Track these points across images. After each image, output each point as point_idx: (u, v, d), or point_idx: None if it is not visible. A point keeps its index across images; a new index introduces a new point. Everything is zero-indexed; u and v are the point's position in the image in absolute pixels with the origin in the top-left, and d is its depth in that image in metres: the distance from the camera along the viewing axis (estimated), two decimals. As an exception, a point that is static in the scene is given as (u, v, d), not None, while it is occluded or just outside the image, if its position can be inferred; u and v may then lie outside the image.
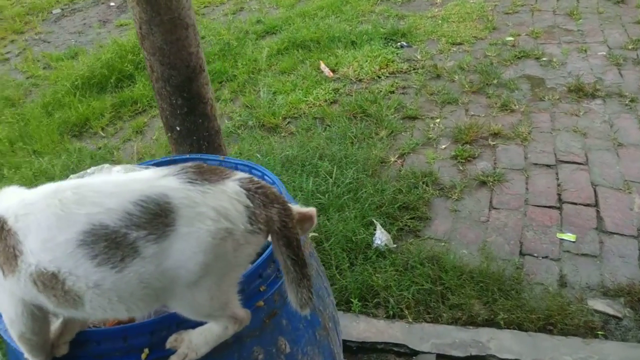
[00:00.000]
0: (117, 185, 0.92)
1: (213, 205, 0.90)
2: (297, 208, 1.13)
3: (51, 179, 3.38)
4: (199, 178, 0.92)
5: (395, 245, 2.68)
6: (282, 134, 3.69)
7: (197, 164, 0.99)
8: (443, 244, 2.69)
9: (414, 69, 4.28)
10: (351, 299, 2.39)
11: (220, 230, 0.90)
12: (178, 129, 1.63)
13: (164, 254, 0.88)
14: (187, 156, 1.47)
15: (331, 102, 3.99)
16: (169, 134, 1.64)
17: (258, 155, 3.35)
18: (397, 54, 4.51)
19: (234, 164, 1.37)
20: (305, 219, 1.12)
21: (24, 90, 4.84)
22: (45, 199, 0.90)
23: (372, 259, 2.60)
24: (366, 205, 2.87)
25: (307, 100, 4.00)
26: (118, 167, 1.45)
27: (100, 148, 3.85)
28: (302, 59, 4.59)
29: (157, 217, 0.88)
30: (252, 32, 5.27)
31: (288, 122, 3.82)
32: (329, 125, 3.67)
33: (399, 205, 2.89)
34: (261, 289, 1.05)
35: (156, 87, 1.57)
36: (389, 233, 2.75)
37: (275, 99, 4.07)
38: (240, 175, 0.97)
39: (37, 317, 0.96)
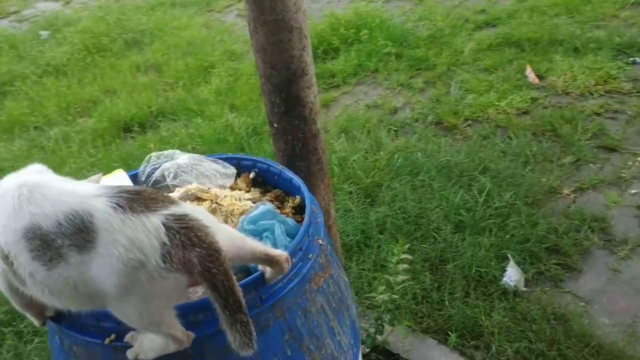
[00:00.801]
0: (60, 193, 0.99)
1: (129, 235, 0.93)
2: (262, 248, 1.09)
3: (236, 134, 3.73)
4: (127, 205, 0.95)
5: (525, 289, 2.40)
6: (456, 136, 3.50)
7: (139, 190, 1.02)
8: (583, 304, 2.32)
9: (638, 92, 3.65)
10: (450, 332, 2.23)
11: (131, 260, 0.93)
12: (275, 125, 1.66)
13: (86, 265, 0.95)
14: (242, 156, 1.53)
15: (523, 112, 3.63)
16: (270, 129, 1.68)
17: (418, 154, 3.24)
18: (623, 70, 3.88)
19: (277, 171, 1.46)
20: (273, 261, 1.09)
21: (249, 47, 5.34)
22: (12, 190, 1.01)
23: (492, 296, 2.37)
24: (509, 235, 2.61)
25: (497, 105, 3.70)
26: (185, 156, 1.55)
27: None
28: (510, 59, 4.24)
29: (80, 232, 0.94)
30: (472, 21, 5.00)
31: (467, 125, 3.60)
32: (509, 138, 3.36)
33: (548, 246, 2.57)
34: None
35: (260, 83, 1.62)
36: (524, 273, 2.47)
37: (464, 97, 3.85)
38: (173, 211, 0.97)
39: (14, 288, 1.10)
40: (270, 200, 1.45)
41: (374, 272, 2.39)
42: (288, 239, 1.22)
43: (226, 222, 1.37)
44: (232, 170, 1.55)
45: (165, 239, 0.95)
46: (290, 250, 1.13)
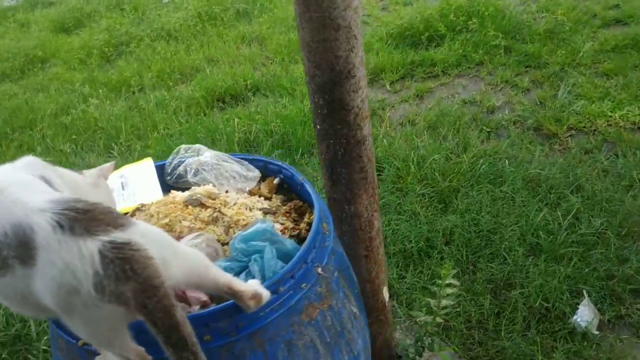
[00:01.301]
0: (12, 202, 0.96)
1: (64, 258, 0.87)
2: (226, 279, 1.00)
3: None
4: (68, 225, 0.90)
5: (597, 333, 2.14)
6: (554, 146, 3.17)
7: (89, 208, 0.95)
8: (664, 362, 2.02)
9: None
10: (499, 365, 2.04)
11: (66, 283, 0.87)
12: (318, 127, 1.55)
13: (29, 279, 0.91)
14: (269, 159, 1.44)
15: (638, 128, 3.21)
16: (314, 128, 1.58)
17: (506, 162, 2.98)
18: None
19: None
20: (236, 297, 1.01)
21: (354, 27, 5.21)
22: None
23: (556, 335, 2.14)
24: (590, 268, 2.32)
25: (609, 116, 3.30)
26: (210, 154, 1.49)
27: (382, 100, 3.95)
28: (636, 65, 3.76)
29: (23, 246, 0.90)
30: (600, 17, 4.50)
31: (570, 135, 3.25)
32: (615, 155, 2.99)
33: (635, 288, 2.26)
34: (205, 338, 0.99)
35: (305, 80, 1.51)
36: (600, 314, 2.19)
37: (573, 102, 3.48)
38: (114, 237, 0.90)
39: None
40: (288, 212, 1.36)
41: (431, 285, 2.23)
42: (281, 264, 1.13)
43: (227, 233, 1.30)
44: (256, 173, 1.48)
45: (99, 268, 0.89)
46: (278, 277, 1.04)
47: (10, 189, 1.00)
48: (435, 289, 1.86)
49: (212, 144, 3.54)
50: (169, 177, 1.57)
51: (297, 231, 1.31)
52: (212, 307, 1.08)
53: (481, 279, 2.37)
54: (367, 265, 1.81)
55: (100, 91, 4.66)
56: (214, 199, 1.38)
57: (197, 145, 1.59)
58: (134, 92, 4.59)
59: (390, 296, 2.26)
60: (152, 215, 1.38)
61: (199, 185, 1.45)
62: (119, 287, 0.89)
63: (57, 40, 6.05)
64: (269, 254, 1.12)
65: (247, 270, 1.14)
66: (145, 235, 0.96)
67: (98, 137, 3.95)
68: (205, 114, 4.02)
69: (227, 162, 1.48)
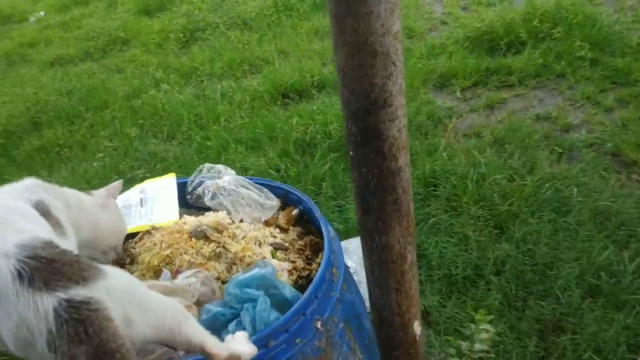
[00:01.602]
0: None
1: (20, 311, 0.83)
2: (199, 339, 0.93)
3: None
4: (28, 276, 0.85)
5: (653, 395, 1.93)
6: (633, 176, 2.90)
7: (54, 257, 0.90)
8: None
9: None
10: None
11: (21, 337, 0.84)
12: (351, 154, 1.46)
13: None
14: (290, 188, 1.35)
15: None
16: (348, 154, 1.49)
17: (575, 189, 2.75)
18: None
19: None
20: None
21: (431, 26, 5.01)
22: None
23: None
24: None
25: (701, 147, 2.98)
26: (230, 178, 1.42)
27: (449, 108, 3.76)
28: None
29: None
30: None
31: (654, 163, 2.96)
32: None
33: None
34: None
35: (341, 101, 1.42)
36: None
37: (662, 127, 3.17)
38: (73, 295, 0.84)
39: None
40: (302, 249, 1.28)
41: (466, 325, 2.10)
42: (275, 314, 1.05)
43: (229, 270, 1.24)
44: (275, 202, 1.41)
45: (53, 327, 0.85)
46: (268, 330, 0.96)
47: (8, 223, 0.98)
48: (470, 330, 1.73)
49: (270, 141, 3.51)
50: (189, 196, 1.54)
51: (308, 272, 1.23)
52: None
53: (529, 317, 2.20)
54: (397, 298, 1.71)
55: (172, 77, 4.75)
56: (220, 232, 1.32)
57: (220, 166, 1.54)
58: (202, 81, 4.64)
59: (427, 324, 2.15)
60: (155, 244, 1.35)
61: (216, 210, 1.40)
62: (71, 349, 0.85)
63: (139, 22, 6.23)
64: (262, 305, 1.05)
65: (238, 318, 1.07)
66: (110, 292, 0.91)
67: (163, 123, 4.02)
68: (267, 109, 3.99)
69: (245, 188, 1.42)
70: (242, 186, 1.43)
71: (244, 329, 1.06)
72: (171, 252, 1.29)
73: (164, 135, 3.91)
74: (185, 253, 1.28)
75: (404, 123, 1.41)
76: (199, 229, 1.32)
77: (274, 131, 3.56)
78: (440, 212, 2.72)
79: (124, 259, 1.44)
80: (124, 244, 1.50)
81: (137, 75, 4.94)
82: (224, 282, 1.24)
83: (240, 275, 1.15)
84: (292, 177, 3.09)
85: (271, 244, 1.31)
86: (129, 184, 3.23)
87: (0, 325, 0.89)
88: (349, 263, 2.39)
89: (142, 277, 1.30)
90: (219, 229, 1.33)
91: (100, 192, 1.42)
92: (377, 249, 1.63)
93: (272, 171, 3.13)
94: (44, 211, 1.13)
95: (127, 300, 0.94)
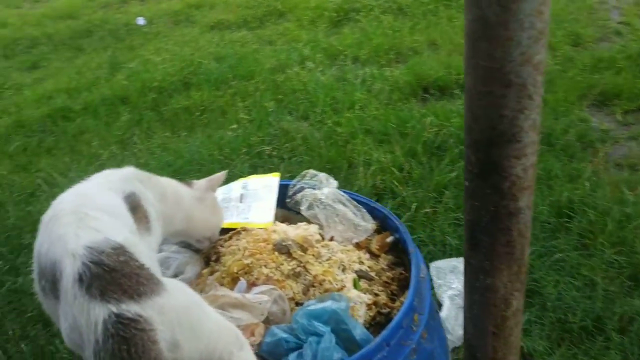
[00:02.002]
0: (59, 238, 0.99)
1: (75, 314, 0.85)
2: None
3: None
4: (88, 281, 0.86)
5: None
6: None
7: (116, 266, 0.88)
8: None
9: None
10: None
11: (72, 338, 0.85)
12: (466, 184, 1.33)
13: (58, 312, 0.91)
14: (389, 213, 1.24)
15: None
16: (464, 183, 1.36)
17: None
18: None
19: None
20: None
21: (602, 35, 4.52)
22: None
23: None
24: None
25: None
26: (329, 191, 1.35)
27: (605, 131, 3.38)
28: None
29: (53, 284, 0.91)
30: None
31: None
32: None
33: None
34: None
35: (464, 126, 1.30)
36: None
37: None
38: (124, 310, 0.82)
39: None
40: (388, 282, 1.20)
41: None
42: (339, 355, 0.99)
43: (305, 293, 1.19)
44: (370, 225, 1.33)
45: (100, 338, 0.85)
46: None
47: (62, 221, 1.03)
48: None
49: (400, 137, 3.41)
50: (288, 200, 1.52)
51: (389, 310, 1.15)
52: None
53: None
54: (494, 343, 1.56)
55: (318, 55, 4.78)
56: (305, 250, 1.28)
57: (323, 175, 1.50)
58: (346, 64, 4.62)
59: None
60: (239, 250, 1.34)
61: (309, 222, 1.36)
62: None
63: (299, -5, 6.34)
64: (327, 343, 1.00)
65: (301, 350, 1.03)
66: (163, 311, 0.91)
67: (300, 102, 4.07)
68: (405, 102, 3.87)
69: (343, 204, 1.36)
70: (340, 202, 1.38)
71: None
72: (252, 262, 1.28)
73: (299, 113, 3.96)
74: (266, 266, 1.26)
75: (532, 162, 1.26)
76: (283, 243, 1.29)
77: (406, 127, 3.45)
78: (569, 249, 2.46)
79: (211, 256, 1.46)
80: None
81: (286, 50, 5.05)
82: (297, 304, 1.21)
83: (312, 305, 1.11)
84: (415, 179, 2.98)
85: (356, 271, 1.25)
86: (256, 159, 3.36)
87: (61, 320, 0.93)
88: (455, 284, 2.25)
89: (221, 281, 1.31)
90: (304, 246, 1.29)
91: (201, 184, 1.45)
92: (480, 289, 1.49)
93: (395, 169, 3.04)
94: (134, 204, 1.17)
95: (178, 322, 0.93)
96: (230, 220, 1.53)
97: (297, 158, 3.32)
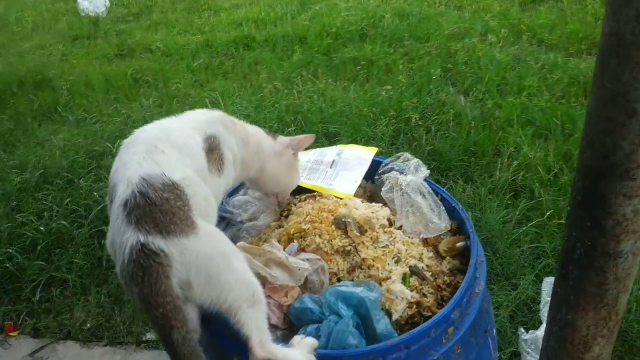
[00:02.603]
0: (124, 165, 1.12)
1: (114, 230, 1.03)
2: (247, 329, 1.02)
3: None
4: (130, 207, 1.01)
5: None
6: None
7: (161, 198, 0.97)
8: None
9: None
10: None
11: (112, 250, 1.08)
12: (570, 208, 1.19)
13: None
14: (468, 218, 1.14)
15: None
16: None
17: None
18: None
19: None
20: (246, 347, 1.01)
21: None
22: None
23: None
24: None
25: None
26: (412, 178, 1.28)
27: None
28: None
29: (111, 202, 1.09)
30: None
31: None
32: None
33: None
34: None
35: (580, 147, 1.16)
36: None
37: None
38: (150, 241, 0.96)
39: None
40: (442, 287, 1.14)
41: None
42: (356, 340, 0.98)
43: (350, 273, 1.18)
44: (444, 225, 1.26)
45: (125, 260, 0.94)
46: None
47: (134, 149, 1.13)
48: None
49: (561, 136, 3.13)
50: (377, 177, 1.49)
51: (430, 314, 1.11)
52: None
53: None
54: (565, 381, 1.44)
55: (503, 30, 4.49)
56: (364, 232, 1.25)
57: (416, 162, 1.44)
58: (531, 45, 4.29)
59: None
60: (303, 213, 1.35)
61: (385, 205, 1.33)
62: (130, 285, 0.95)
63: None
64: (344, 326, 1.00)
65: (320, 325, 1.04)
66: (185, 253, 0.97)
67: (467, 75, 3.89)
68: (583, 100, 3.51)
69: (423, 196, 1.30)
70: (420, 193, 1.32)
71: (319, 337, 1.04)
72: (309, 229, 1.30)
73: (462, 87, 3.80)
74: (320, 236, 1.27)
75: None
76: (343, 219, 1.29)
77: (571, 128, 3.15)
78: None
79: (284, 212, 1.50)
80: (296, 196, 1.56)
81: (471, 19, 4.81)
82: (339, 280, 1.21)
83: (345, 287, 1.10)
84: (560, 185, 2.72)
85: (411, 266, 1.21)
86: (402, 124, 3.31)
87: (109, 233, 1.06)
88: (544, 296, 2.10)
89: (280, 238, 1.35)
90: (364, 227, 1.27)
91: (284, 141, 1.48)
92: (561, 322, 1.37)
93: (541, 169, 2.81)
94: (213, 146, 1.24)
95: (196, 266, 1.00)
96: (314, 182, 1.55)
97: (444, 133, 3.21)
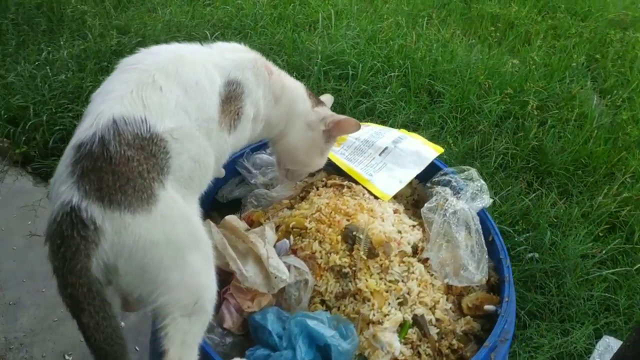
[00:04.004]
0: (109, 92, 0.94)
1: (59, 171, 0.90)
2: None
3: None
4: (81, 157, 0.86)
5: None
6: None
7: (122, 159, 0.83)
8: None
9: None
10: None
11: None
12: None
13: None
14: None
15: None
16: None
17: None
18: None
19: None
20: None
21: None
22: None
23: None
24: None
25: None
26: (461, 205, 1.02)
27: None
28: None
29: None
30: None
31: None
32: None
33: None
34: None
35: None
36: None
37: None
38: (84, 206, 0.82)
39: None
40: (441, 352, 0.92)
41: None
42: None
43: (338, 298, 0.97)
44: (477, 277, 1.05)
45: (53, 215, 0.86)
46: None
47: (126, 75, 0.99)
48: None
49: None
50: (429, 184, 1.24)
51: None
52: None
53: None
54: None
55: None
56: (372, 255, 1.03)
57: (479, 184, 1.17)
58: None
59: None
60: (315, 208, 1.13)
61: (421, 224, 1.09)
62: (47, 246, 0.83)
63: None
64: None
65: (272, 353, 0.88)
66: (122, 234, 0.80)
67: (612, 73, 3.36)
68: None
69: (467, 232, 1.06)
70: (467, 227, 1.07)
71: None
72: (311, 229, 1.09)
73: (602, 86, 3.30)
74: (320, 243, 1.06)
75: None
76: (354, 232, 1.06)
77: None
78: None
79: (304, 191, 1.29)
80: (325, 176, 1.34)
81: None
82: (322, 302, 1.01)
83: (317, 320, 0.92)
84: None
85: (415, 315, 0.98)
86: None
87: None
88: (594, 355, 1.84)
89: (279, 225, 1.15)
90: (375, 250, 1.03)
91: (321, 112, 1.22)
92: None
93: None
94: (233, 94, 1.03)
95: (130, 253, 0.83)
96: (352, 165, 1.31)
97: (558, 131, 2.80)
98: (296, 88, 1.23)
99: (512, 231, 2.22)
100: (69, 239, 0.82)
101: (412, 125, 2.76)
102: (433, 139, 2.54)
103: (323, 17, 3.54)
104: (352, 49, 3.18)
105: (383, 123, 2.71)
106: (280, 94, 1.16)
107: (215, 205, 1.37)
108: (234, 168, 1.35)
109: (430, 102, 2.94)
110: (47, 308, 2.05)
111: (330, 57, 3.12)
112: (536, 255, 2.22)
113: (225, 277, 1.06)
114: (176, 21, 3.42)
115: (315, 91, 2.85)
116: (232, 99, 1.04)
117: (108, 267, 0.85)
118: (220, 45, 1.15)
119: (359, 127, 1.25)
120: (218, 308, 1.03)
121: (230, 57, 1.10)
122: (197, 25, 3.42)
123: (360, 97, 2.91)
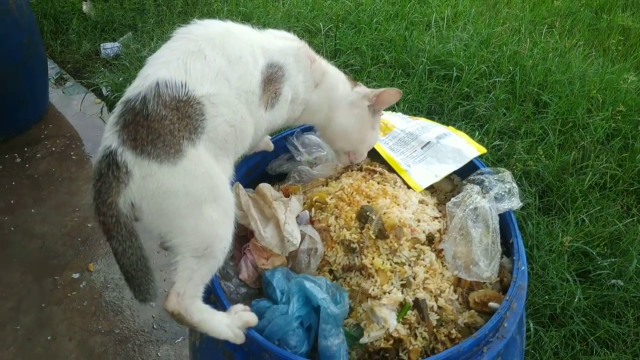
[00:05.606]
0: (159, 57, 1.07)
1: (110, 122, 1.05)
2: (173, 292, 0.99)
3: None
4: (125, 111, 1.01)
5: None
6: None
7: (156, 117, 0.96)
8: None
9: None
10: None
11: None
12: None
13: None
14: None
15: None
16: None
17: None
18: None
19: None
20: None
21: None
22: None
23: None
24: None
25: None
26: (485, 204, 1.03)
27: None
28: None
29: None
30: None
31: None
32: None
33: None
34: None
35: None
36: None
37: None
38: (121, 152, 0.97)
39: None
40: (436, 338, 0.95)
41: None
42: (296, 342, 0.90)
43: (345, 269, 1.03)
44: (486, 274, 1.09)
45: (99, 157, 1.00)
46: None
47: (176, 43, 1.09)
48: None
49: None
50: (464, 182, 1.25)
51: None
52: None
53: None
54: None
55: None
56: (383, 236, 1.09)
57: (509, 186, 1.18)
58: None
59: None
60: (341, 186, 1.20)
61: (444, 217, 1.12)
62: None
63: None
64: (284, 323, 0.95)
65: (269, 302, 0.98)
66: (147, 180, 0.96)
67: None
68: None
69: (485, 228, 1.07)
70: (485, 224, 1.08)
71: (262, 317, 1.03)
72: (331, 204, 1.17)
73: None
74: (336, 218, 1.13)
75: None
76: (367, 213, 1.11)
77: None
78: None
79: (342, 173, 1.35)
80: (369, 160, 1.38)
81: None
82: (331, 271, 1.09)
83: (313, 282, 1.01)
84: None
85: (416, 298, 1.01)
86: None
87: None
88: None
89: (306, 200, 1.23)
90: (386, 232, 1.08)
91: (361, 90, 1.27)
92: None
93: None
94: (273, 76, 1.11)
95: (152, 197, 0.98)
96: (393, 155, 1.36)
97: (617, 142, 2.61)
98: (336, 74, 1.30)
99: (594, 253, 2.13)
100: (104, 176, 0.97)
101: (509, 133, 2.72)
102: (526, 148, 2.49)
103: (438, 17, 3.54)
104: (461, 50, 3.17)
105: (480, 127, 2.70)
106: (320, 80, 1.23)
107: (265, 176, 1.50)
108: (284, 145, 1.48)
109: (534, 112, 2.86)
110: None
111: (437, 57, 3.14)
112: (620, 282, 2.11)
113: (250, 235, 1.20)
114: (296, 12, 3.59)
115: (416, 90, 2.89)
116: (272, 80, 1.13)
117: (134, 206, 1.00)
118: (270, 31, 1.24)
119: (400, 95, 1.31)
120: (238, 261, 1.18)
121: (277, 42, 1.19)
122: (315, 17, 3.57)
123: (461, 100, 2.90)
